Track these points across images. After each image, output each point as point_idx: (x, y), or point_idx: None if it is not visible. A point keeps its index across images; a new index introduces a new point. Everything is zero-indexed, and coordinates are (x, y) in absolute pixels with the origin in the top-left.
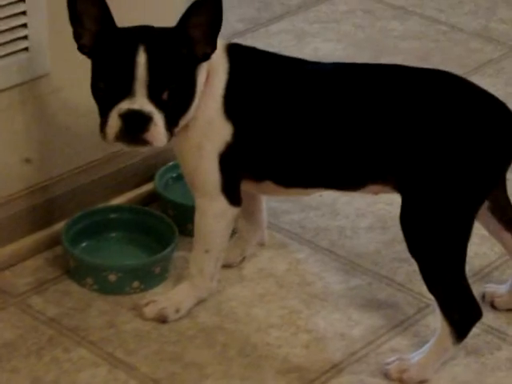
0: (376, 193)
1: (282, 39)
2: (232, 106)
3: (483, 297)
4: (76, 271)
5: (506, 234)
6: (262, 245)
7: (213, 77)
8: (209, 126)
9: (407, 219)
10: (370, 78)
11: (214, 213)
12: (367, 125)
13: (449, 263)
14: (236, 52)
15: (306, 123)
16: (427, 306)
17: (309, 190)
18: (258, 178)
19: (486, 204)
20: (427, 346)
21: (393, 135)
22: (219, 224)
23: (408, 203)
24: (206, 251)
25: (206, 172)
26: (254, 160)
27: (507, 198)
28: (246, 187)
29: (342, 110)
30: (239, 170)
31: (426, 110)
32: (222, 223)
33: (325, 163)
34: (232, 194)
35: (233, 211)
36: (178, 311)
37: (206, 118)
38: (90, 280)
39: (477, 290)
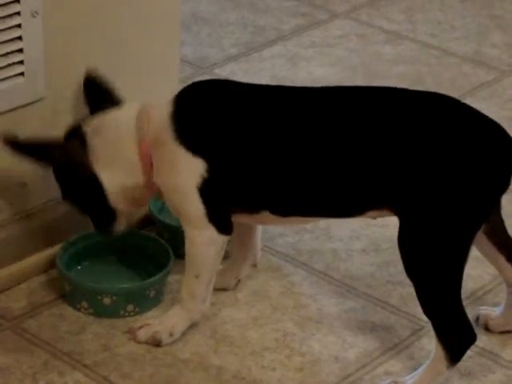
0: (374, 217)
1: (276, 63)
2: (196, 143)
3: (477, 319)
4: (71, 294)
5: (499, 256)
6: (254, 266)
7: (154, 127)
8: (175, 168)
9: (405, 241)
10: (361, 101)
11: (203, 241)
12: (362, 151)
13: (445, 286)
14: (183, 99)
15: (295, 152)
16: (422, 328)
17: (306, 219)
18: (254, 209)
19: (482, 226)
20: (421, 368)
21: (389, 160)
22: (209, 252)
23: (406, 226)
24: (197, 276)
25: (189, 206)
26: (246, 193)
27: (501, 220)
28: (243, 220)
29: (333, 137)
30: (227, 201)
31: (423, 134)
32: (212, 251)
33: (320, 192)
34: (220, 222)
35: (223, 239)
36: (171, 335)
37: (167, 163)
38: (84, 303)
39: (470, 312)
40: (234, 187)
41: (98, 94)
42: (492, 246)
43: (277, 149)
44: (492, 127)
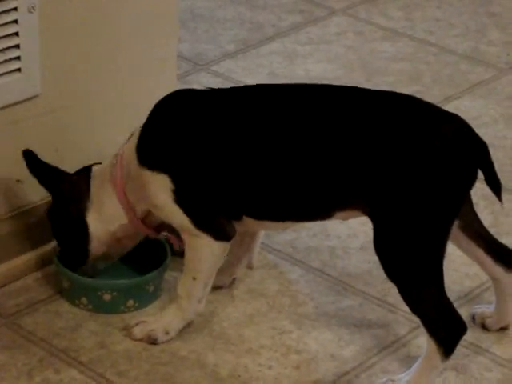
0: (345, 218)
1: (273, 60)
2: (155, 161)
3: (473, 318)
4: (69, 291)
5: (478, 250)
6: (249, 268)
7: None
8: (149, 191)
9: (381, 243)
10: (323, 102)
11: (199, 247)
12: (326, 152)
13: (427, 282)
14: (144, 126)
15: (255, 154)
16: (418, 326)
17: (280, 224)
18: (234, 217)
19: (456, 223)
20: (416, 365)
21: (355, 161)
22: (207, 256)
23: (379, 227)
24: (194, 278)
25: (176, 219)
26: (217, 200)
27: (475, 214)
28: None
29: (296, 139)
30: (209, 209)
31: (388, 132)
32: (210, 256)
33: (284, 195)
34: (214, 230)
35: (220, 245)
36: (167, 333)
37: (143, 189)
38: (84, 300)
39: (467, 311)
40: (205, 195)
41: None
42: (469, 240)
43: (235, 155)
44: (455, 122)
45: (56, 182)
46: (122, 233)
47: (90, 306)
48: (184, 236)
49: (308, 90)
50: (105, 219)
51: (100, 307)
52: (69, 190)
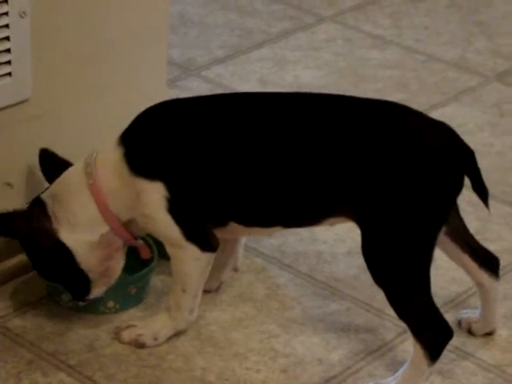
0: (333, 224)
1: (263, 66)
2: (149, 168)
3: (459, 323)
4: (53, 289)
5: (463, 256)
6: (235, 270)
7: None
8: (141, 200)
9: (368, 250)
10: (312, 108)
11: (186, 260)
12: (314, 159)
13: (415, 288)
14: (128, 134)
15: (245, 161)
16: (405, 331)
17: (267, 230)
18: (221, 222)
19: (443, 228)
20: (402, 369)
21: (344, 169)
22: (194, 269)
23: (367, 233)
24: (183, 290)
25: (165, 230)
26: (209, 206)
27: (461, 219)
28: (220, 235)
29: (285, 146)
30: (200, 219)
31: (375, 140)
32: (197, 268)
33: (273, 201)
34: (201, 240)
35: (206, 256)
36: (155, 339)
37: (134, 199)
38: (65, 297)
39: (453, 315)
40: (196, 202)
41: (54, 166)
42: (455, 246)
43: (227, 161)
44: (442, 129)
45: (13, 223)
46: (106, 243)
47: (71, 304)
48: (169, 249)
49: (296, 99)
50: (81, 230)
51: (80, 306)
52: (26, 226)
